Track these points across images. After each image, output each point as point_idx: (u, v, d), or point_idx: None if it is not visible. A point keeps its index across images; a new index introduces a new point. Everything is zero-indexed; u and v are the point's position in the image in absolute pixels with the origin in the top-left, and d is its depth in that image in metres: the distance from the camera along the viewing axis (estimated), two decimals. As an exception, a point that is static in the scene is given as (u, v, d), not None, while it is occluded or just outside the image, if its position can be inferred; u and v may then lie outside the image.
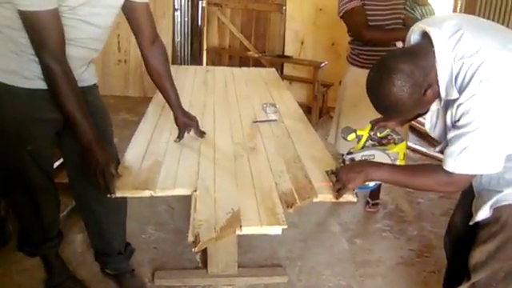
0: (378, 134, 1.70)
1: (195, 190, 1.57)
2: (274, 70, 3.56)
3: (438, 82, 1.28)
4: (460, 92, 1.24)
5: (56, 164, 2.26)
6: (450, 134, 1.29)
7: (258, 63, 5.15)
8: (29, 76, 1.58)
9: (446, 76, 1.26)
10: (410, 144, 3.92)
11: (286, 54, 5.24)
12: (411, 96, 1.26)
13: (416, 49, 1.32)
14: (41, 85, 1.57)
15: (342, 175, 1.52)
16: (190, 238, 1.36)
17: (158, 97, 2.23)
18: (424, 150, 3.91)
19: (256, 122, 2.27)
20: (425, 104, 1.33)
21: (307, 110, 2.94)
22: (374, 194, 3.00)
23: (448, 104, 1.31)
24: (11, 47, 1.53)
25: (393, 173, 1.47)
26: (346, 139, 1.67)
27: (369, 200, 3.02)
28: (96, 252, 2.15)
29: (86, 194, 1.89)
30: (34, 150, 1.71)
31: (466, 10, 4.31)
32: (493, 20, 3.03)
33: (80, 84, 1.67)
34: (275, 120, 2.30)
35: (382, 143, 1.70)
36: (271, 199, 1.53)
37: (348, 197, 1.55)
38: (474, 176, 1.34)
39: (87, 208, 1.99)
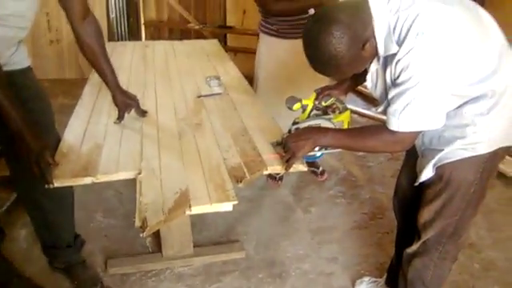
0: (323, 103, 1.68)
1: (139, 173, 1.50)
2: (216, 41, 3.45)
3: (375, 37, 1.25)
4: (398, 46, 1.22)
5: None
6: (391, 93, 1.28)
7: (199, 35, 4.99)
8: None
9: (383, 30, 1.24)
10: (357, 108, 3.97)
11: (229, 24, 5.10)
12: (350, 49, 1.22)
13: (352, 2, 1.28)
14: None
15: (290, 144, 1.49)
16: (137, 223, 1.29)
17: (95, 77, 2.10)
18: (371, 113, 3.95)
19: (200, 96, 2.19)
20: (363, 60, 1.30)
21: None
22: (311, 163, 2.95)
23: (387, 62, 1.29)
24: None
25: (340, 137, 1.46)
26: (291, 109, 1.64)
27: (315, 170, 3.01)
28: (44, 245, 2.05)
29: (28, 184, 1.77)
30: None
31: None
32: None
33: (10, 67, 1.56)
34: (220, 93, 2.23)
35: (326, 112, 1.68)
36: (220, 175, 1.48)
37: (298, 166, 1.53)
38: (418, 133, 1.34)
39: (30, 199, 1.89)
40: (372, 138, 1.40)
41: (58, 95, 4.10)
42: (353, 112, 3.65)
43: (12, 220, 2.39)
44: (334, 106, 1.69)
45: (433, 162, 1.42)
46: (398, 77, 1.24)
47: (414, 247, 1.60)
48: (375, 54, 1.30)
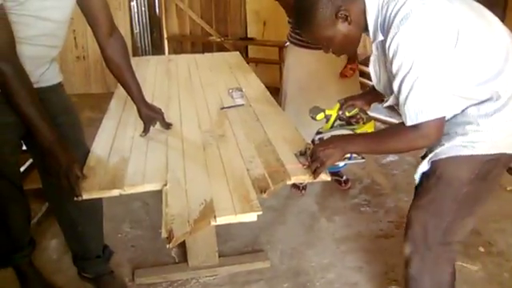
0: (347, 114, 1.68)
1: (165, 184, 1.53)
2: (237, 53, 3.50)
3: (357, 18, 1.30)
4: (386, 34, 1.24)
5: (22, 169, 2.18)
6: (394, 87, 1.27)
7: (221, 48, 5.06)
8: None
9: (373, 14, 1.28)
10: (380, 116, 3.94)
11: (249, 35, 5.16)
12: (323, 9, 1.28)
13: None
14: None
15: (318, 153, 1.48)
16: (164, 234, 1.31)
17: (120, 91, 2.15)
18: (396, 121, 3.92)
19: (223, 108, 2.22)
20: (334, 31, 1.32)
21: (275, 91, 2.93)
22: (335, 172, 2.93)
23: (384, 50, 1.28)
24: None
25: (366, 142, 1.46)
26: (314, 119, 1.64)
27: (339, 179, 2.99)
28: (74, 256, 2.10)
29: (60, 196, 1.82)
30: None
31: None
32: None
33: (43, 84, 1.61)
34: (242, 104, 2.25)
35: (350, 123, 1.68)
36: (244, 186, 1.50)
37: (321, 176, 1.53)
38: (437, 122, 1.26)
39: (62, 211, 1.93)
40: (397, 138, 1.37)
41: (84, 109, 4.21)
42: (376, 120, 3.64)
43: (42, 230, 2.46)
44: (358, 117, 1.69)
45: (430, 155, 1.39)
46: (392, 64, 1.24)
47: (407, 251, 1.57)
48: (356, 33, 1.34)
